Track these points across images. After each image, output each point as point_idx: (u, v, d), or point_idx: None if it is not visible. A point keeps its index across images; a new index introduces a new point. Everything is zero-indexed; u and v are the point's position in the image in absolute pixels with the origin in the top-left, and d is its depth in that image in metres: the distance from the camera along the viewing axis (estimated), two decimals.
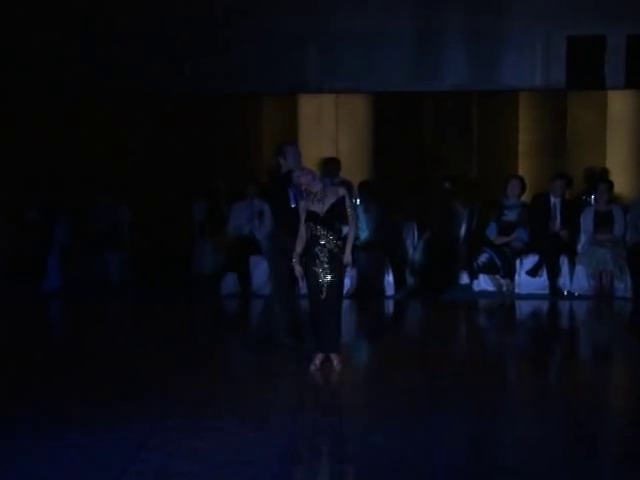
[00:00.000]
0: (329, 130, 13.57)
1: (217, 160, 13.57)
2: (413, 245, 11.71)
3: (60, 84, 13.03)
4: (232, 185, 12.61)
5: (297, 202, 7.23)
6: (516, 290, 11.12)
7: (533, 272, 11.06)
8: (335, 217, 7.15)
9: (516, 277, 11.14)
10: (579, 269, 10.98)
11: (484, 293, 11.20)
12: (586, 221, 11.20)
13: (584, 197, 12.09)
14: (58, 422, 5.96)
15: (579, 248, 11.15)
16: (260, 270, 11.20)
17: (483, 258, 11.19)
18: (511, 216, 11.30)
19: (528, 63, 13.22)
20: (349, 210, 7.14)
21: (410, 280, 11.22)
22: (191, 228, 12.81)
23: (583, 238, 11.19)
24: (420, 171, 13.45)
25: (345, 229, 7.21)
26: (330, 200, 7.12)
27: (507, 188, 11.36)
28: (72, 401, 6.50)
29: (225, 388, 6.94)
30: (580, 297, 10.88)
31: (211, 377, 7.26)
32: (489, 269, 11.23)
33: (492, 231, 11.30)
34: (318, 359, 7.25)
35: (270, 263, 7.73)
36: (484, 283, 11.31)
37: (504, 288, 11.22)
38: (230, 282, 11.17)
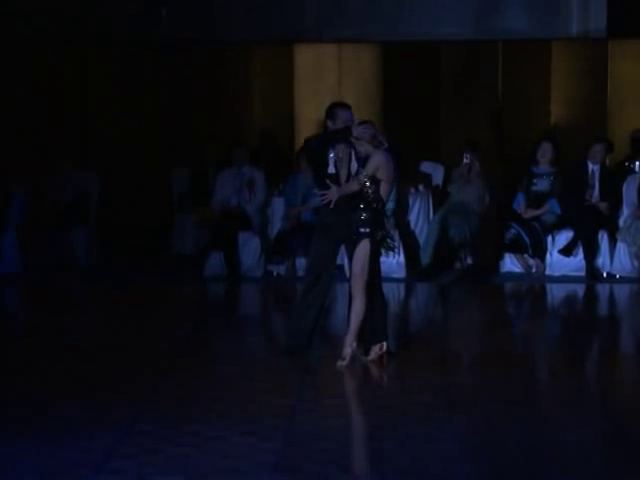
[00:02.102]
0: (330, 86, 13.49)
1: (200, 121, 13.51)
2: (428, 218, 11.66)
3: (17, 33, 12.93)
4: (217, 150, 12.57)
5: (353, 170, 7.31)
6: (547, 272, 11.10)
7: (567, 251, 11.03)
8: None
9: (547, 257, 11.12)
10: (621, 247, 10.95)
11: (510, 275, 11.19)
12: (629, 191, 11.15)
13: (627, 163, 12.05)
14: (9, 428, 5.92)
15: (621, 223, 11.12)
16: (250, 248, 11.19)
17: (509, 235, 11.16)
18: (542, 186, 11.26)
19: (562, 7, 13.12)
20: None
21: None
22: (170, 200, 12.77)
23: (626, 211, 11.15)
24: (435, 133, 13.41)
25: None
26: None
27: (537, 153, 11.30)
28: (27, 402, 6.46)
29: (209, 386, 6.92)
30: (622, 280, 10.85)
31: (193, 373, 7.23)
32: (516, 247, 11.20)
33: (519, 203, 11.26)
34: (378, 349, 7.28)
35: (312, 244, 7.64)
36: (510, 263, 11.29)
37: (533, 269, 11.20)
38: (215, 262, 11.14)
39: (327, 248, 7.38)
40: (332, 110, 7.49)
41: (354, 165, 7.35)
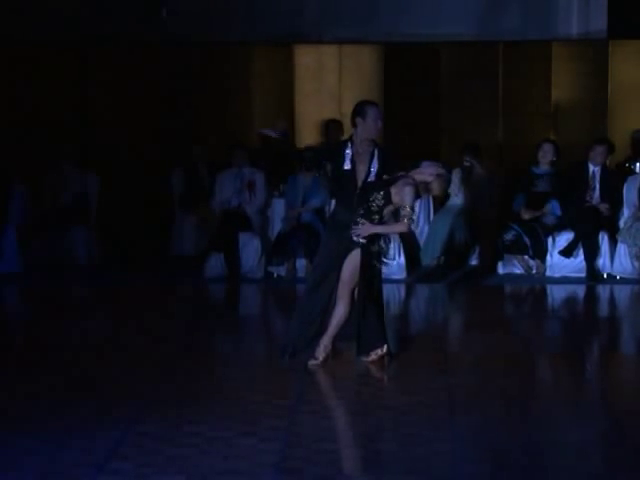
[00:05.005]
0: (331, 87, 13.50)
1: (199, 121, 13.50)
2: (428, 220, 11.65)
3: (10, 30, 12.90)
4: (217, 150, 12.56)
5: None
6: (547, 273, 11.10)
7: (567, 252, 11.02)
8: (369, 193, 7.22)
9: (547, 258, 11.11)
10: (621, 248, 10.94)
11: (510, 276, 11.18)
12: (630, 192, 11.14)
13: (628, 164, 12.05)
14: (9, 428, 5.91)
15: (621, 224, 11.11)
16: (250, 249, 11.17)
17: (509, 236, 11.15)
18: (542, 187, 11.25)
19: (562, 8, 13.11)
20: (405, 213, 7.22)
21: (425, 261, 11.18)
22: (170, 200, 12.75)
23: (626, 212, 11.14)
24: (436, 133, 13.39)
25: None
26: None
27: (538, 154, 11.30)
28: (27, 402, 6.45)
29: (209, 386, 6.91)
30: (622, 281, 10.84)
31: (193, 374, 7.22)
32: (516, 248, 11.20)
33: (520, 204, 11.26)
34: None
35: (321, 242, 7.60)
36: (510, 265, 11.28)
37: (534, 270, 11.19)
38: (215, 263, 11.13)
39: (336, 247, 7.34)
40: (362, 108, 7.37)
41: (374, 164, 7.32)
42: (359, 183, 7.29)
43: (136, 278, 11.35)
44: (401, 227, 7.17)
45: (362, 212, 7.11)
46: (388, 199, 7.08)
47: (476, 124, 13.49)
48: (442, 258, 11.25)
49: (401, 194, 7.04)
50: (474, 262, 11.42)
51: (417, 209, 11.33)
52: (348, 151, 7.33)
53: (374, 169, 7.28)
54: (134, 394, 6.62)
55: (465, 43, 13.34)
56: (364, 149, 7.32)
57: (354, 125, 7.39)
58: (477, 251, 11.44)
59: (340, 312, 7.17)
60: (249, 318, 9.94)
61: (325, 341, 7.22)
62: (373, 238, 7.12)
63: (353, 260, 7.10)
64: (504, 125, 13.71)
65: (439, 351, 7.92)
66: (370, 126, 7.32)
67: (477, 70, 13.58)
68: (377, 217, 7.09)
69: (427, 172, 7.09)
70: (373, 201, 7.08)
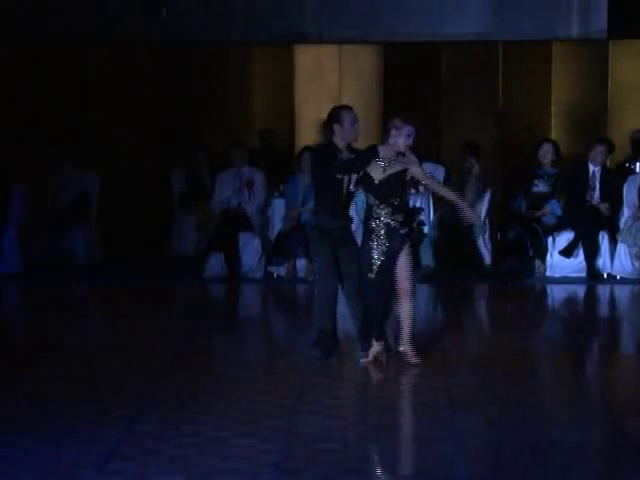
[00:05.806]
0: (330, 87, 13.47)
1: (199, 121, 13.50)
2: (428, 220, 11.65)
3: (10, 30, 12.89)
4: (217, 150, 12.56)
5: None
6: (548, 273, 11.10)
7: (567, 252, 11.02)
8: (391, 189, 7.11)
9: (548, 258, 11.11)
10: (621, 248, 10.95)
11: (511, 276, 11.17)
12: (630, 192, 11.14)
13: (627, 164, 12.04)
14: (9, 428, 5.91)
15: (621, 224, 11.11)
16: (250, 249, 11.17)
17: (510, 236, 11.15)
18: (543, 187, 11.26)
19: (563, 8, 13.11)
20: (428, 180, 7.29)
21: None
22: (170, 200, 12.75)
23: (626, 212, 11.15)
24: (436, 134, 13.39)
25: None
26: (394, 169, 7.11)
27: (538, 154, 11.31)
28: (27, 402, 6.46)
29: (209, 386, 6.91)
30: (622, 281, 10.85)
31: (193, 374, 7.22)
32: (516, 248, 11.18)
33: (520, 204, 11.26)
34: (372, 351, 7.28)
35: (312, 252, 7.65)
36: (511, 265, 11.27)
37: (534, 270, 11.18)
38: (215, 263, 11.13)
39: (331, 252, 7.36)
40: (338, 114, 7.39)
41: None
42: (344, 191, 7.29)
43: (136, 278, 11.35)
44: (453, 195, 7.35)
45: (388, 210, 7.09)
46: (404, 192, 7.17)
47: (476, 124, 13.48)
48: (442, 258, 11.25)
49: (412, 174, 7.11)
50: (474, 262, 11.41)
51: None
52: (340, 157, 7.33)
53: (355, 176, 7.27)
54: (134, 394, 6.62)
55: (465, 43, 13.34)
56: (346, 155, 7.33)
57: (332, 131, 7.37)
58: (477, 251, 11.44)
59: (406, 309, 7.23)
60: (249, 318, 9.93)
61: (403, 341, 7.25)
62: (410, 221, 7.15)
63: (406, 256, 7.15)
64: (504, 125, 13.69)
65: (438, 350, 7.92)
66: (348, 131, 7.33)
67: (477, 70, 13.57)
68: (400, 215, 7.10)
69: (401, 139, 7.12)
70: (394, 201, 7.11)
